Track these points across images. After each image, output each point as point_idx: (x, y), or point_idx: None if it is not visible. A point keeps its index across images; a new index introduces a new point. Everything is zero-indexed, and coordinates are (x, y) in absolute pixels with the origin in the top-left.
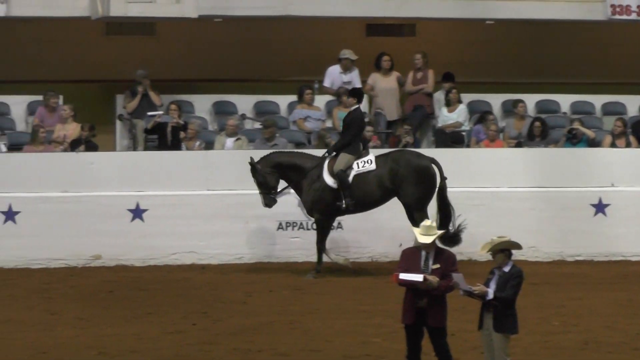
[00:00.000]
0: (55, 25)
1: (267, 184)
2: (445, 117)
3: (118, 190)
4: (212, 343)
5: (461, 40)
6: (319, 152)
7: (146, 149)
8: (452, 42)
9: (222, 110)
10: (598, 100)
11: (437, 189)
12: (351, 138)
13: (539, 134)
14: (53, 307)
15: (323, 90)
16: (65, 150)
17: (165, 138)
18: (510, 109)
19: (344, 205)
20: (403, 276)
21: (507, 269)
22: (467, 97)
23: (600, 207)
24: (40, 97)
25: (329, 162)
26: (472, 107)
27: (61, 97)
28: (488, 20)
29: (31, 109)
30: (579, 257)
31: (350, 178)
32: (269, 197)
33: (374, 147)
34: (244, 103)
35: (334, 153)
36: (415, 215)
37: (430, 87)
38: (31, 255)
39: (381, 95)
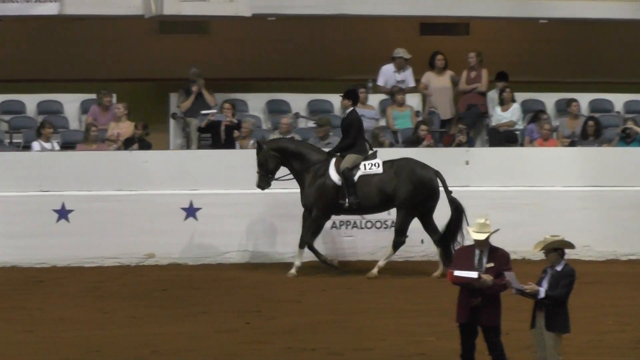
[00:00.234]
0: (109, 23)
1: (267, 166)
2: (499, 116)
3: (172, 189)
4: (265, 342)
5: (515, 39)
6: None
7: (200, 147)
8: (505, 41)
9: (276, 109)
10: None
11: (454, 207)
12: (352, 141)
13: (592, 133)
14: (105, 306)
15: (377, 89)
16: (118, 148)
17: (218, 137)
18: (563, 108)
19: (346, 204)
20: (458, 273)
21: (559, 268)
22: (520, 96)
23: None
24: (93, 96)
25: (336, 160)
26: (525, 106)
27: (114, 95)
28: (541, 19)
29: (84, 108)
30: (632, 256)
31: (356, 178)
32: (265, 179)
33: (428, 146)
34: (298, 102)
35: (338, 154)
36: (397, 218)
37: (483, 86)
38: (84, 254)
39: (435, 94)
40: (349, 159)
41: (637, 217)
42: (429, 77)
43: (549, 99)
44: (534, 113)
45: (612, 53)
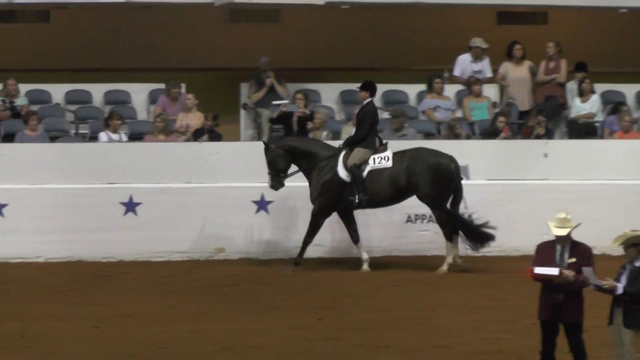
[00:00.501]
0: (178, 11)
1: (277, 166)
2: (578, 107)
3: (242, 181)
4: (337, 338)
5: (594, 29)
6: (444, 144)
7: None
8: (584, 30)
9: (349, 100)
10: None
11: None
12: (365, 133)
13: None
14: (174, 301)
15: (453, 80)
16: (188, 140)
17: (290, 128)
18: None
19: (356, 201)
20: (538, 270)
21: (638, 263)
22: (600, 87)
23: None
24: (162, 86)
25: (344, 155)
26: (605, 98)
27: (183, 85)
28: (621, 8)
29: (153, 98)
30: None
31: (365, 173)
32: (277, 179)
33: (505, 138)
34: None
35: (349, 147)
36: (434, 214)
37: (562, 77)
38: (152, 248)
39: (513, 85)
40: (357, 154)
41: None
42: (507, 68)
43: (630, 90)
44: (613, 105)
45: None
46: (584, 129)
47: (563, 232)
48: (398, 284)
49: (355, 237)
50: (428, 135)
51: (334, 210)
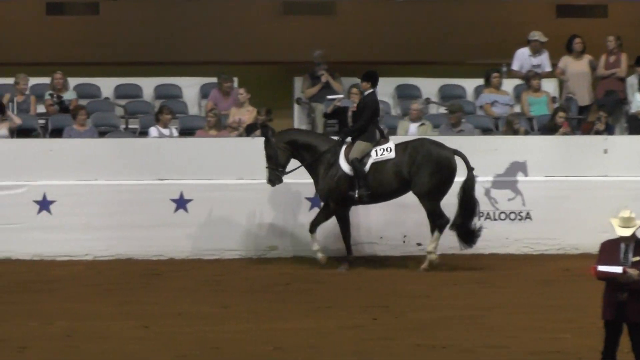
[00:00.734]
0: (230, 4)
1: (277, 159)
2: (639, 102)
3: (295, 178)
4: (392, 338)
5: None
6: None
7: (325, 134)
8: None
9: (406, 94)
10: None
11: (463, 181)
12: (364, 124)
13: None
14: (225, 300)
15: (511, 74)
16: (240, 135)
17: (345, 123)
18: None
19: (356, 196)
20: (602, 268)
21: None
22: None
23: None
24: (213, 80)
25: (346, 149)
26: None
27: (236, 79)
28: None
29: (204, 92)
30: None
31: (367, 166)
32: (275, 173)
33: (564, 133)
34: (429, 86)
35: (350, 139)
36: (426, 205)
37: (623, 72)
38: (203, 246)
39: (572, 80)
40: (358, 147)
41: None
42: (566, 62)
43: None
44: None
45: None
46: None
47: (627, 232)
48: (454, 283)
49: (313, 227)
50: (485, 131)
51: (349, 202)
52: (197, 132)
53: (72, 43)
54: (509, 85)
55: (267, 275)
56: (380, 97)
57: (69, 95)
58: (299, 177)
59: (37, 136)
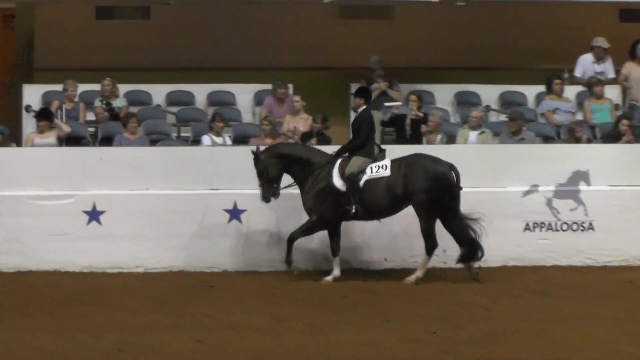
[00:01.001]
0: (285, 8)
1: (268, 175)
2: None
3: None
4: (452, 352)
5: None
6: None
7: (383, 142)
8: None
9: (465, 101)
10: None
11: (448, 198)
12: (362, 141)
13: None
14: (280, 313)
15: (573, 81)
16: (295, 143)
17: (403, 131)
18: None
19: (352, 211)
20: None
21: None
22: None
23: None
24: (268, 86)
25: (340, 163)
26: None
27: (291, 86)
28: None
29: (258, 99)
30: None
31: (362, 183)
32: (269, 188)
33: (627, 142)
34: (489, 93)
35: (346, 154)
36: (420, 224)
37: None
38: (257, 257)
39: (636, 86)
40: (356, 162)
41: None
42: (630, 68)
43: None
44: None
45: None
46: None
47: None
48: (516, 295)
49: (335, 249)
50: (547, 139)
51: (335, 219)
52: (251, 141)
53: (122, 48)
54: (571, 92)
55: (323, 288)
56: (439, 104)
57: (118, 102)
58: None
59: (86, 144)
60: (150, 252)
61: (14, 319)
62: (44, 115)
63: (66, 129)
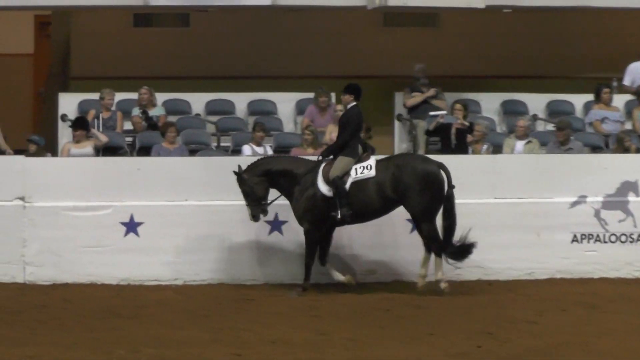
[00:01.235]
0: (327, 15)
1: (255, 194)
2: None
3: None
4: None
5: None
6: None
7: (427, 152)
8: None
9: (512, 110)
10: None
11: (444, 199)
12: (347, 139)
13: None
14: (322, 327)
15: (622, 89)
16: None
17: (448, 140)
18: None
19: (339, 216)
20: None
21: None
22: None
23: None
24: (310, 95)
25: (324, 168)
26: None
27: (333, 94)
28: None
29: (300, 108)
30: None
31: (347, 185)
32: (258, 208)
33: None
34: (536, 102)
35: (330, 157)
36: (423, 227)
37: None
38: (298, 270)
39: None
40: (339, 164)
41: None
42: None
43: None
44: None
45: None
46: None
47: None
48: (562, 308)
49: (323, 258)
50: (595, 149)
51: (326, 224)
52: (292, 150)
53: (161, 56)
54: (619, 100)
55: (366, 301)
56: (485, 113)
57: (156, 111)
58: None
59: (124, 154)
60: (189, 265)
61: (49, 333)
62: (80, 124)
63: (103, 138)
